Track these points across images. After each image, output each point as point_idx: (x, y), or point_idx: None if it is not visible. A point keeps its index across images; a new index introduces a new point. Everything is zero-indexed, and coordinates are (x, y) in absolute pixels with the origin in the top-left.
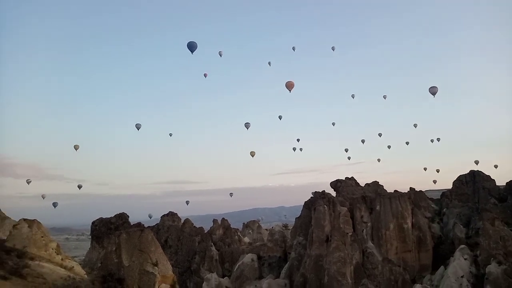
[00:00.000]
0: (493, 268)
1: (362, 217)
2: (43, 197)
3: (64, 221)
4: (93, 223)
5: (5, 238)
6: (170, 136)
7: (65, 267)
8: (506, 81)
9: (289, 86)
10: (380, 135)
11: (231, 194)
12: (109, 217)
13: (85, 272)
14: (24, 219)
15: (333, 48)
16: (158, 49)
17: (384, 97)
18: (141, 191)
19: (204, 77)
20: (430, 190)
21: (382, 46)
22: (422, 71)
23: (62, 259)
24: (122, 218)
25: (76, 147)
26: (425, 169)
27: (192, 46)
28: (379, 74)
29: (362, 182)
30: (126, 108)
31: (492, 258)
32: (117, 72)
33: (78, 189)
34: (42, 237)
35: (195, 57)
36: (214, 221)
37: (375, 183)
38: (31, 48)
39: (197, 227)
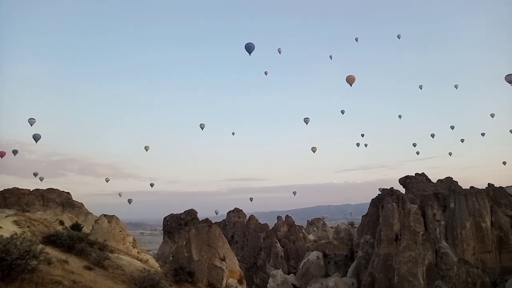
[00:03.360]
0: None
1: (434, 215)
2: (119, 194)
3: (138, 216)
4: (164, 218)
5: (89, 232)
6: (233, 135)
7: (141, 260)
8: None
9: (350, 80)
10: (452, 127)
11: (294, 193)
12: (179, 213)
13: (158, 265)
14: (104, 215)
15: (398, 36)
16: (219, 50)
17: (456, 86)
18: (207, 188)
19: (265, 75)
20: (511, 186)
21: (452, 33)
22: (496, 56)
23: (138, 252)
24: (191, 214)
25: (146, 148)
26: (504, 163)
27: (249, 48)
28: (448, 62)
29: (433, 178)
30: (191, 109)
31: None
32: (181, 75)
33: (150, 187)
34: (120, 231)
35: (254, 56)
36: (278, 218)
37: (449, 179)
38: (108, 54)
39: (262, 223)
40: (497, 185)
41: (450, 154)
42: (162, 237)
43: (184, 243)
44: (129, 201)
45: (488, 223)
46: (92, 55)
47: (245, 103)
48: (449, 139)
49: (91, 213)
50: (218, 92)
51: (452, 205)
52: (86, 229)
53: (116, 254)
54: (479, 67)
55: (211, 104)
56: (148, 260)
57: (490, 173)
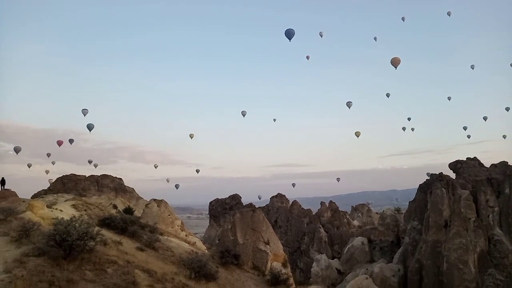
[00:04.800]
0: None
1: (487, 201)
2: (167, 180)
3: (185, 201)
4: (210, 203)
5: (140, 215)
6: (274, 121)
7: (188, 242)
8: None
9: (395, 62)
10: (507, 109)
11: (338, 179)
12: (224, 198)
13: (205, 248)
14: (154, 199)
15: (448, 14)
16: (259, 37)
17: (511, 65)
18: (251, 173)
19: (307, 59)
20: None
21: (507, 8)
22: None
23: (186, 235)
24: (235, 199)
25: (191, 136)
26: None
27: (289, 34)
28: (503, 39)
29: (486, 163)
30: (232, 97)
31: None
32: (221, 63)
33: (196, 173)
34: (169, 215)
35: (295, 40)
36: (322, 203)
37: (503, 164)
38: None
39: (305, 209)
40: None
41: (504, 137)
42: (208, 221)
43: (230, 227)
44: (176, 186)
45: None
46: (145, 50)
47: (286, 89)
48: (503, 121)
49: (141, 198)
50: (259, 79)
51: (507, 190)
52: (137, 213)
53: (166, 237)
54: None
55: (253, 91)
56: (195, 242)
57: None
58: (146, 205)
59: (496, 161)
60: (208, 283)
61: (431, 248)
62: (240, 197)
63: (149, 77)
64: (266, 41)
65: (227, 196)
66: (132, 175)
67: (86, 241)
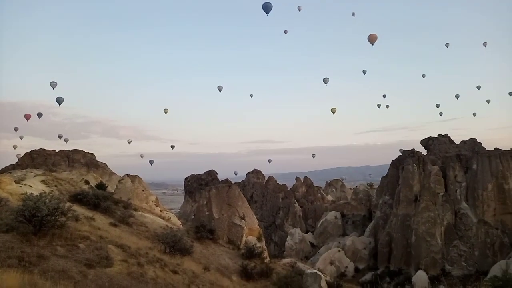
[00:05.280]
0: None
1: (456, 176)
2: (141, 156)
3: (160, 177)
4: (186, 179)
5: (113, 191)
6: (251, 97)
7: (163, 218)
8: None
9: (372, 39)
10: (478, 87)
11: (313, 156)
12: (199, 174)
13: (180, 223)
14: (128, 175)
15: None
16: (235, 10)
17: (484, 44)
18: (227, 150)
19: (285, 34)
20: None
21: None
22: None
23: (160, 211)
24: (211, 174)
25: (165, 111)
26: None
27: (267, 7)
28: (478, 18)
29: (457, 140)
30: (208, 72)
31: None
32: (197, 36)
33: (171, 148)
34: (143, 191)
35: (273, 15)
36: (297, 179)
37: (472, 141)
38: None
39: (280, 184)
40: None
41: (474, 115)
42: (183, 196)
43: (205, 202)
44: (151, 162)
45: (511, 185)
46: (118, 20)
47: (263, 64)
48: (474, 99)
49: (115, 174)
50: (236, 54)
51: (474, 166)
52: (110, 189)
53: (140, 212)
54: (509, 22)
55: (230, 67)
56: (170, 218)
57: None
58: (120, 181)
59: (466, 138)
60: (183, 257)
61: (401, 221)
62: (216, 173)
63: (122, 48)
64: (243, 15)
65: (202, 172)
66: (105, 150)
67: (57, 217)
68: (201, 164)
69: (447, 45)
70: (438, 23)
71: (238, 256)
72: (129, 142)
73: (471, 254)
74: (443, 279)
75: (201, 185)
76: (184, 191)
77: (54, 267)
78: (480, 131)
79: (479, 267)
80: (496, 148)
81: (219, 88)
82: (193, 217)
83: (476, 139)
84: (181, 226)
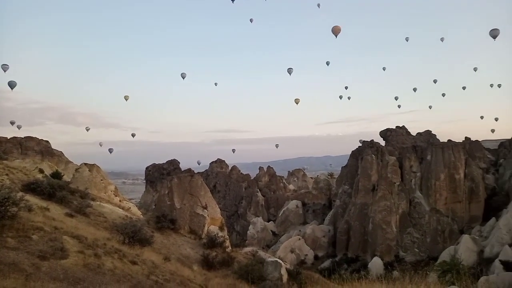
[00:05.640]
0: None
1: (411, 166)
2: (100, 144)
3: (120, 166)
4: (147, 168)
5: (69, 180)
6: (216, 85)
7: (123, 208)
8: None
9: (336, 31)
10: (435, 81)
11: (277, 146)
12: (161, 163)
13: (141, 213)
14: (85, 164)
15: None
16: None
17: (442, 39)
18: (190, 139)
19: (250, 22)
20: (487, 140)
21: None
22: (482, 11)
23: (120, 201)
24: (173, 164)
25: (126, 98)
26: (481, 117)
27: None
28: (435, 15)
29: (414, 132)
30: (171, 58)
31: None
32: (161, 22)
33: (132, 137)
34: (101, 180)
35: (239, 4)
36: (260, 168)
37: (427, 132)
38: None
39: (244, 174)
40: (473, 138)
41: (430, 107)
42: (144, 186)
43: (166, 192)
44: (110, 150)
45: (462, 175)
46: (76, 2)
47: (227, 53)
48: (431, 92)
49: (71, 162)
50: (200, 41)
51: (428, 157)
52: (66, 178)
53: (98, 202)
54: (466, 20)
55: (193, 54)
56: (130, 208)
57: (468, 127)
58: (76, 170)
59: (421, 130)
60: (143, 247)
61: (359, 210)
62: (179, 162)
63: (81, 32)
64: (207, 1)
65: (164, 162)
66: (61, 138)
67: (8, 207)
68: (163, 153)
69: (407, 39)
70: (400, 17)
71: (200, 246)
72: (87, 130)
73: (423, 240)
74: (395, 265)
75: (162, 174)
76: (145, 181)
77: (3, 259)
78: (435, 123)
79: (430, 253)
80: (449, 140)
81: (183, 76)
82: (154, 207)
83: (431, 131)
84: (141, 216)
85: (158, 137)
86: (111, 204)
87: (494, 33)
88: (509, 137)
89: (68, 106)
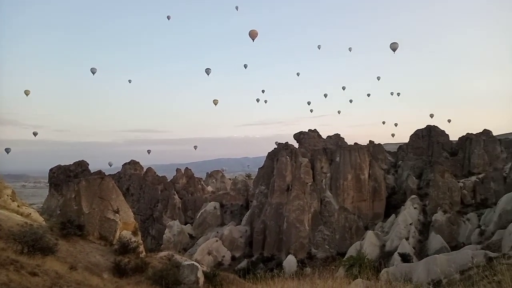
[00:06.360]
0: (438, 216)
1: (322, 168)
2: None
3: (20, 168)
4: (51, 170)
5: None
6: (130, 82)
7: (21, 214)
8: (463, 41)
9: (253, 35)
10: (344, 88)
11: (195, 147)
12: (68, 164)
13: (43, 219)
14: None
15: None
16: None
17: (350, 49)
18: (101, 138)
19: (168, 19)
20: (388, 143)
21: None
22: (386, 27)
23: (18, 206)
24: (81, 165)
25: (27, 93)
26: (383, 122)
27: None
28: (346, 25)
29: (324, 135)
30: (81, 52)
31: (439, 207)
32: (70, 13)
33: (33, 135)
34: None
35: (156, 0)
36: (177, 170)
37: (337, 136)
38: None
39: (160, 176)
40: (376, 142)
41: (339, 112)
42: (48, 190)
43: (73, 196)
44: (7, 150)
45: (366, 175)
46: None
47: (143, 49)
48: (340, 98)
49: None
50: (114, 36)
51: (337, 159)
52: None
53: None
54: (372, 31)
55: (106, 48)
56: (30, 214)
57: (372, 131)
58: None
59: (331, 133)
60: (45, 257)
61: (274, 209)
62: (88, 164)
63: None
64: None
65: (71, 163)
66: None
67: None
68: (70, 154)
69: (319, 47)
70: (311, 24)
71: (111, 252)
72: None
73: (333, 237)
74: (306, 262)
75: (69, 177)
76: (48, 184)
77: None
78: (343, 127)
79: (340, 249)
80: (355, 143)
81: (93, 71)
82: (58, 212)
83: (340, 135)
84: (44, 222)
85: (64, 136)
86: (7, 210)
87: (394, 46)
88: (407, 141)
89: None
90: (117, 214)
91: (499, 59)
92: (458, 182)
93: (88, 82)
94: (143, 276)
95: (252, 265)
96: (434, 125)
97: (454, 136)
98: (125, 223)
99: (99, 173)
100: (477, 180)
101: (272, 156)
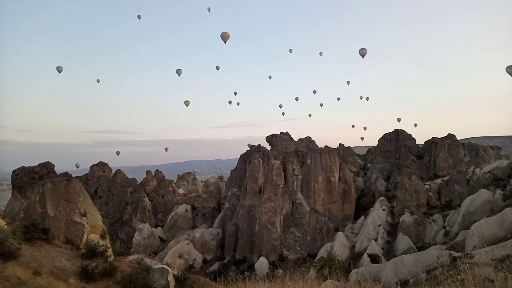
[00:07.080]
0: (406, 217)
1: (294, 170)
2: None
3: None
4: (14, 172)
5: None
6: (98, 82)
7: None
8: (428, 46)
9: (225, 37)
10: (314, 92)
11: (166, 149)
12: (32, 166)
13: (5, 223)
14: None
15: None
16: None
17: (320, 54)
18: (68, 139)
19: (138, 19)
20: (357, 146)
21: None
22: (356, 33)
23: None
24: (46, 167)
25: None
26: (353, 126)
27: None
28: (317, 31)
29: (296, 137)
30: (46, 50)
31: (406, 209)
32: (39, 12)
33: None
34: None
35: (127, 0)
36: (148, 172)
37: (308, 139)
38: None
39: (130, 178)
40: (346, 145)
41: (310, 115)
42: (10, 192)
43: (38, 198)
44: None
45: (336, 178)
46: None
47: (112, 50)
48: (310, 102)
49: None
50: (83, 33)
51: (309, 161)
52: None
53: None
54: (343, 36)
55: (74, 46)
56: None
57: (342, 134)
58: None
59: (302, 136)
60: (7, 262)
61: (246, 212)
62: (53, 165)
63: None
64: None
65: (36, 164)
66: None
67: None
68: (34, 155)
69: (290, 51)
70: (284, 28)
71: (78, 257)
72: None
73: (304, 239)
74: (277, 264)
75: (33, 179)
76: (11, 186)
77: None
78: (314, 130)
79: (311, 251)
80: (326, 146)
81: (59, 70)
82: (22, 215)
83: (311, 138)
84: (6, 226)
85: (28, 137)
86: None
87: (362, 52)
88: (375, 144)
89: None
90: (84, 217)
91: (463, 66)
92: (424, 184)
93: (54, 81)
94: (111, 280)
95: (224, 267)
96: (401, 129)
97: (420, 140)
98: (92, 226)
99: (66, 175)
100: (442, 182)
101: (245, 158)
